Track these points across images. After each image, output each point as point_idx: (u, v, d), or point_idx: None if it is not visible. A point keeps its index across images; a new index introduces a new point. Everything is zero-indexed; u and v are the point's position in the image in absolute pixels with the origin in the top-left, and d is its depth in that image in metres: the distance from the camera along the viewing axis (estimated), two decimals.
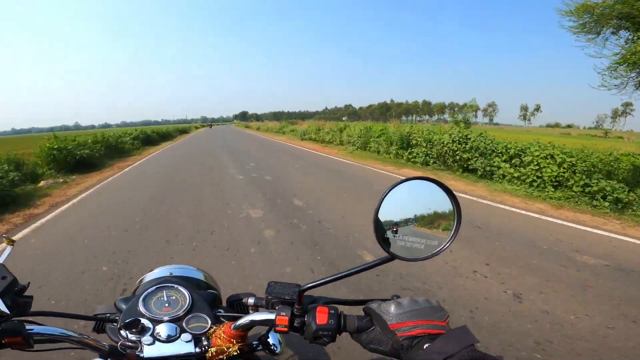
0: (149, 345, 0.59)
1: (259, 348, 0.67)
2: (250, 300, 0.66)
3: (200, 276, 0.80)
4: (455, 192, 0.52)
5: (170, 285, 0.70)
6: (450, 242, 0.51)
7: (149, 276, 0.76)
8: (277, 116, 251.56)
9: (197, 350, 0.59)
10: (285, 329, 0.54)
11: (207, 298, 0.70)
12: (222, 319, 0.66)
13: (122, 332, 0.60)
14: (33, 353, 0.60)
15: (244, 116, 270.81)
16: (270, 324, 0.57)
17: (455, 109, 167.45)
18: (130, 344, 0.59)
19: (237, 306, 0.74)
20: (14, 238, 0.61)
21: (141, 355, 0.58)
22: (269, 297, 0.59)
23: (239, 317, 0.59)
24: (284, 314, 0.55)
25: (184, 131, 40.56)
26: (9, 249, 0.63)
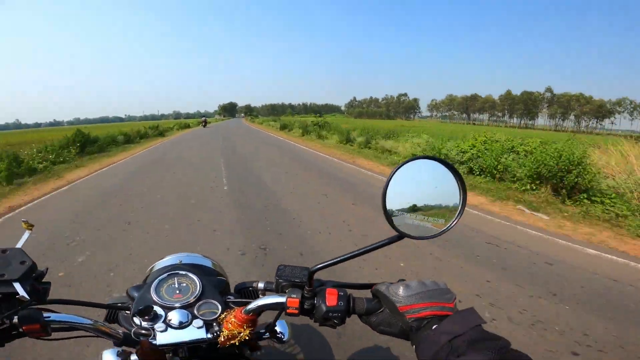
0: (161, 332, 0.59)
1: (266, 336, 0.68)
2: (260, 285, 0.66)
3: (208, 264, 0.80)
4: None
5: (181, 272, 0.69)
6: (457, 219, 0.52)
7: (159, 264, 0.76)
8: (276, 109, 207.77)
9: (209, 335, 0.60)
10: (296, 312, 0.54)
11: (216, 285, 0.70)
12: (232, 305, 0.66)
13: (135, 319, 0.60)
14: (46, 341, 0.58)
15: (232, 109, 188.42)
16: (280, 308, 0.57)
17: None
18: (143, 331, 0.59)
19: (246, 293, 0.75)
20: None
21: (154, 342, 0.58)
22: (279, 280, 0.60)
23: (249, 302, 0.60)
24: (294, 296, 0.55)
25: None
26: (27, 233, 0.59)
